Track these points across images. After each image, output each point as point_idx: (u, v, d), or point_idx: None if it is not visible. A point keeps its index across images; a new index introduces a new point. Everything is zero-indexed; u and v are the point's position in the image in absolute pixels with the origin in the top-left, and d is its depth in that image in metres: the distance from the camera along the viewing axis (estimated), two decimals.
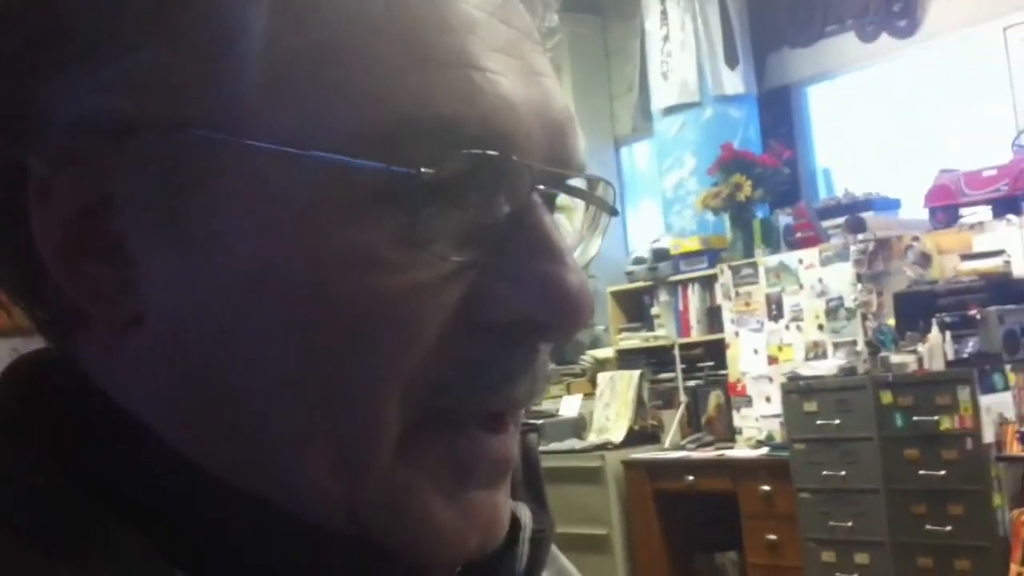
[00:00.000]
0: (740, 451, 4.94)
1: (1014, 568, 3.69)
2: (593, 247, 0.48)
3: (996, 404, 3.91)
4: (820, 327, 4.71)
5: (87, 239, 0.42)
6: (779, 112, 5.68)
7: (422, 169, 0.40)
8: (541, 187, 0.43)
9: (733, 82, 5.56)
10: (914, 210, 4.70)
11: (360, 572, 0.43)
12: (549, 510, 0.51)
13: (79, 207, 0.42)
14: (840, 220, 4.72)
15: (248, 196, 0.40)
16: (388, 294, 0.40)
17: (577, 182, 0.47)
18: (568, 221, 0.48)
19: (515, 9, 0.45)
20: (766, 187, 5.19)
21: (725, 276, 5.12)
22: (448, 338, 0.41)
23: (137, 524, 0.41)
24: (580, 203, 0.48)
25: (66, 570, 0.39)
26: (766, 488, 4.65)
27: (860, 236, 4.57)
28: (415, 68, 0.41)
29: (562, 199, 0.47)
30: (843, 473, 4.28)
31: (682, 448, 5.22)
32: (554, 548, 0.54)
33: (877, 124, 5.33)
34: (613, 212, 0.48)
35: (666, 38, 5.66)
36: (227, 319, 0.41)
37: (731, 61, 5.54)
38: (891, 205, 4.82)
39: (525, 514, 0.49)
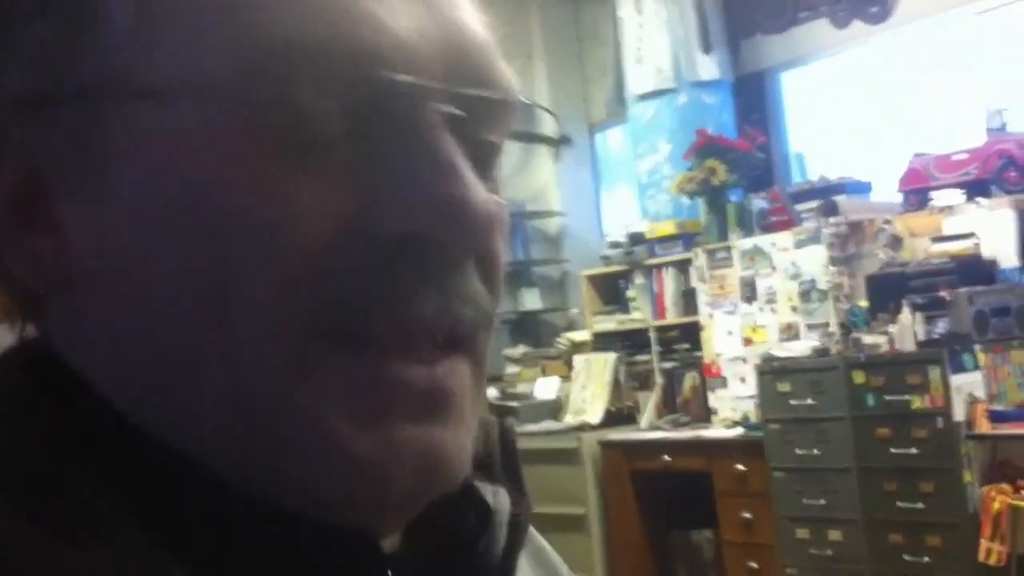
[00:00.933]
0: (715, 431, 4.94)
1: (984, 544, 3.72)
2: (544, 169, 0.47)
3: (966, 383, 3.93)
4: (794, 309, 4.72)
5: (24, 215, 0.43)
6: (753, 97, 5.68)
7: (299, 94, 0.40)
8: (437, 106, 0.42)
9: (708, 68, 5.55)
10: (887, 194, 4.71)
11: (292, 539, 0.42)
12: (527, 494, 0.50)
13: (11, 185, 0.43)
14: (813, 204, 4.72)
15: (139, 144, 0.41)
16: (273, 214, 0.40)
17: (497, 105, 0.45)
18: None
19: None
20: (740, 172, 5.19)
21: (700, 259, 5.12)
22: (337, 253, 0.41)
23: (116, 497, 0.40)
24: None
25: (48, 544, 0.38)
26: (741, 467, 4.66)
27: (833, 219, 4.57)
28: (276, 3, 0.41)
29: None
30: (816, 452, 4.30)
31: (658, 429, 5.23)
32: (531, 529, 0.53)
33: (850, 109, 5.34)
34: (552, 141, 0.48)
35: (640, 24, 5.64)
36: (132, 264, 0.42)
37: (706, 47, 5.53)
38: (863, 189, 4.83)
39: (504, 498, 0.48)
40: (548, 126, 0.47)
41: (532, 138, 0.47)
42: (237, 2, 0.41)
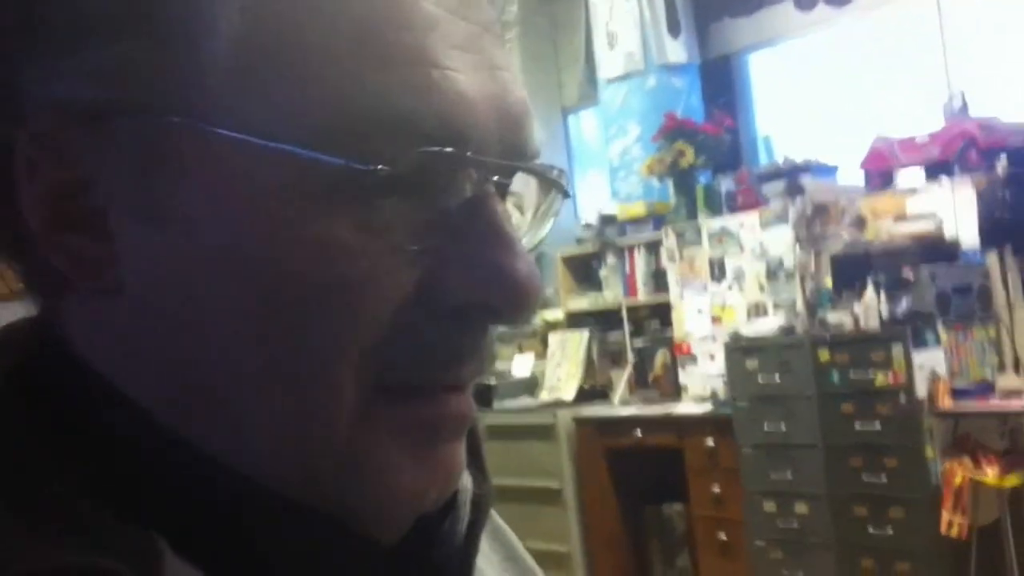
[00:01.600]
0: (686, 408, 4.89)
1: (945, 516, 3.69)
2: (545, 228, 0.49)
3: (928, 360, 3.90)
4: (761, 288, 4.66)
5: (69, 213, 0.43)
6: (720, 80, 5.60)
7: (379, 166, 0.40)
8: (495, 178, 0.44)
9: (676, 51, 5.47)
10: (851, 175, 4.64)
11: (316, 535, 0.43)
12: (488, 475, 0.51)
13: (61, 184, 0.43)
14: (779, 185, 4.66)
15: (213, 181, 0.41)
16: (344, 278, 0.41)
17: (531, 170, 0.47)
18: (520, 206, 0.48)
19: (475, 4, 0.45)
20: (708, 154, 5.12)
21: (670, 240, 5.05)
22: (402, 320, 0.42)
23: (106, 487, 0.41)
24: (533, 187, 0.48)
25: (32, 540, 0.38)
26: (710, 443, 4.62)
27: (798, 201, 4.52)
28: (375, 67, 0.41)
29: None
30: (783, 428, 4.26)
31: (630, 405, 5.18)
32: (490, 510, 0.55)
33: (815, 92, 5.27)
34: (566, 195, 0.48)
35: (610, 7, 5.54)
36: (195, 293, 0.42)
37: (674, 30, 5.45)
38: (828, 171, 4.76)
39: (467, 478, 0.50)
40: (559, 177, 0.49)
41: (550, 187, 0.49)
42: (332, 64, 0.41)
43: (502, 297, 0.43)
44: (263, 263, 0.41)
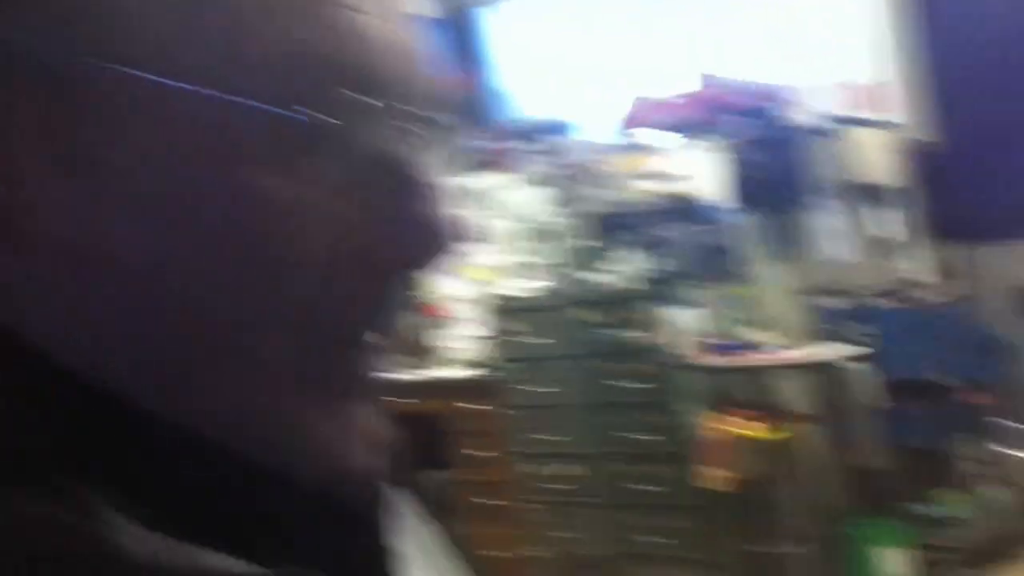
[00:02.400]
0: (448, 372, 4.79)
1: (706, 470, 3.81)
2: (447, 174, 0.48)
3: (684, 319, 4.00)
4: (521, 250, 4.61)
5: None
6: (462, 35, 5.46)
7: (299, 110, 0.40)
8: (404, 124, 0.44)
9: (413, 2, 5.27)
10: (609, 135, 4.64)
11: (253, 485, 0.42)
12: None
13: None
14: (537, 145, 4.60)
15: (137, 127, 0.40)
16: (271, 225, 0.40)
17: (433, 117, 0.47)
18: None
19: None
20: (456, 110, 4.97)
21: None
22: (324, 269, 0.42)
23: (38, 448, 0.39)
24: (435, 134, 0.47)
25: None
26: (475, 407, 4.54)
27: (557, 161, 4.48)
28: (296, 10, 0.41)
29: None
30: (547, 389, 4.26)
31: (389, 372, 5.00)
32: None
33: (572, 50, 5.22)
34: (463, 144, 0.41)
35: None
36: (116, 244, 0.40)
37: None
38: (582, 130, 4.75)
39: None
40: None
41: (449, 135, 0.49)
42: (255, 7, 0.40)
43: (415, 245, 0.43)
44: (188, 212, 0.40)
